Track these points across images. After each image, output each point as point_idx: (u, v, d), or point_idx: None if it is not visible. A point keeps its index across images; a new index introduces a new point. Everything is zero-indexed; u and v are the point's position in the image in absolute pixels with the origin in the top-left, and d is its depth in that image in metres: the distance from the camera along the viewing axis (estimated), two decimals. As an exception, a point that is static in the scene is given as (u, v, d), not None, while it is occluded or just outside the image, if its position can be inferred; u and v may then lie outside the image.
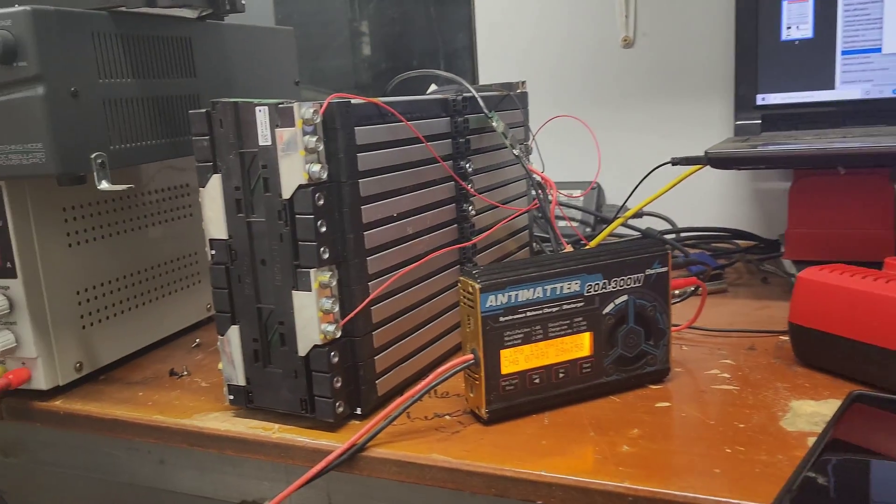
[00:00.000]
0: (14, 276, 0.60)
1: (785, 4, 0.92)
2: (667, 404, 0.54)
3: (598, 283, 0.54)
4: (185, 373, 0.67)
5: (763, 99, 0.94)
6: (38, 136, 0.53)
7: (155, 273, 0.73)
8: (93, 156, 0.56)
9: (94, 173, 0.56)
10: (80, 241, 0.65)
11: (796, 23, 0.91)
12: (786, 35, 0.92)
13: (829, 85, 0.90)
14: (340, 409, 0.53)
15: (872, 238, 0.75)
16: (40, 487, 0.68)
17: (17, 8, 0.51)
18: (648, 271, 0.56)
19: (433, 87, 0.95)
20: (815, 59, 0.91)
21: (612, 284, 0.55)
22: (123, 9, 0.59)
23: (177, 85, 0.66)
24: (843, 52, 0.90)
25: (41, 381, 0.62)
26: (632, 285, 0.56)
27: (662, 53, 1.04)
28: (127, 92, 0.60)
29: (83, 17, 0.56)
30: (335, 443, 0.52)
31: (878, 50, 0.88)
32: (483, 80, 1.17)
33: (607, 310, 0.55)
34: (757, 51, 0.93)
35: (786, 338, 0.62)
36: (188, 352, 0.73)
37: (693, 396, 0.55)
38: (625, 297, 0.56)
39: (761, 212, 1.03)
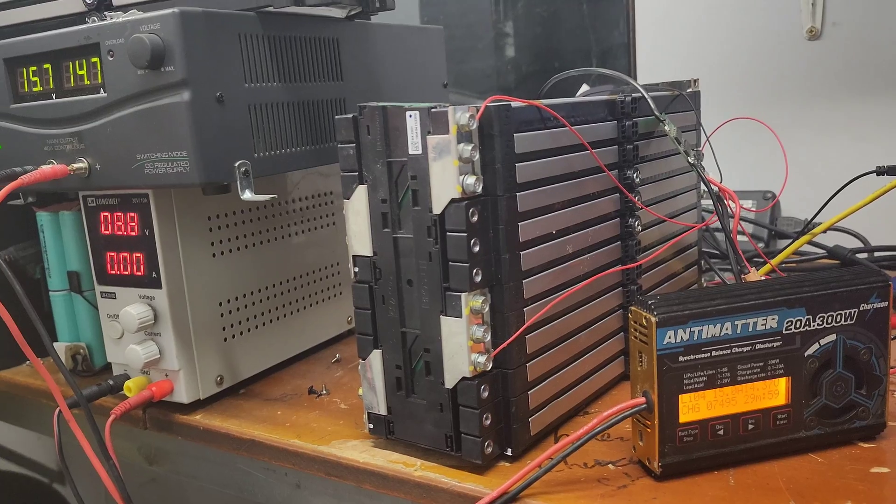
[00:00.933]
0: (159, 286, 0.58)
1: None
2: (885, 470, 0.45)
3: (800, 320, 0.45)
4: (325, 392, 0.64)
5: (985, 96, 0.79)
6: (183, 143, 0.50)
7: (296, 284, 0.71)
8: (237, 164, 0.53)
9: (238, 182, 0.53)
10: (223, 250, 0.63)
11: None
12: None
13: None
14: (489, 450, 0.48)
15: None
16: (181, 499, 0.68)
17: (165, 11, 0.49)
18: (864, 306, 0.46)
19: (584, 87, 0.87)
20: None
21: (818, 321, 0.46)
22: (271, 8, 0.56)
23: (323, 88, 0.62)
24: None
25: (182, 395, 0.61)
26: (842, 322, 0.46)
27: (855, 45, 0.91)
28: (272, 96, 0.57)
29: (230, 18, 0.54)
30: (483, 487, 0.46)
31: None
32: (642, 79, 1.08)
33: (810, 351, 0.46)
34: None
35: None
36: (328, 367, 0.70)
37: (919, 462, 0.45)
38: (832, 337, 0.46)
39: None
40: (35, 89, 0.57)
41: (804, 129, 0.95)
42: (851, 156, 0.91)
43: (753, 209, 0.94)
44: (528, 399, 0.49)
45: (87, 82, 0.54)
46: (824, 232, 0.89)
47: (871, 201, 0.67)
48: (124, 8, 0.59)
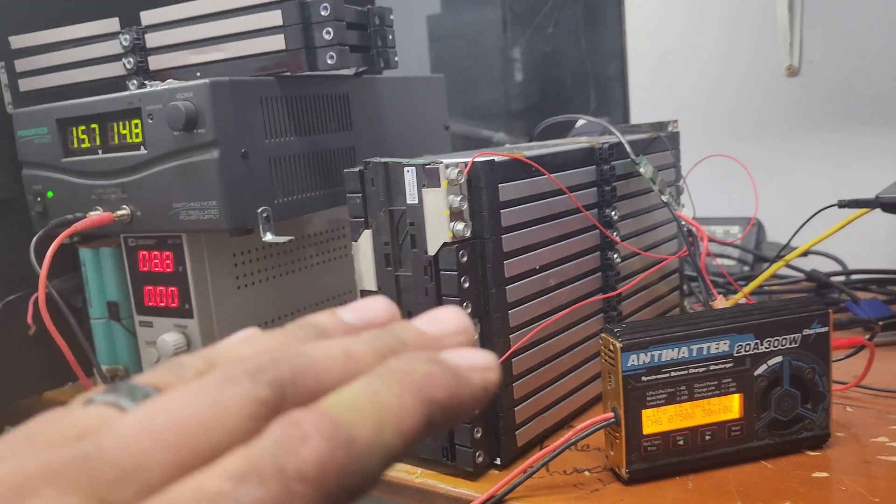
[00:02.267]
0: (191, 316, 0.66)
1: (975, 25, 0.83)
2: (825, 475, 0.51)
3: (749, 344, 0.52)
4: (339, 409, 0.71)
5: (949, 129, 0.86)
6: (213, 194, 0.58)
7: (313, 310, 0.78)
8: (259, 210, 0.61)
9: (260, 227, 0.61)
10: (247, 283, 0.71)
11: None
12: (976, 59, 0.83)
13: None
14: (480, 459, 0.54)
15: None
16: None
17: (197, 81, 0.57)
18: (806, 331, 0.53)
19: (581, 120, 0.95)
20: None
21: (766, 345, 0.52)
22: (288, 73, 0.64)
23: (335, 139, 0.70)
24: None
25: (212, 412, 0.68)
26: (787, 346, 0.53)
27: (831, 81, 0.97)
28: (290, 149, 0.65)
29: (253, 84, 0.62)
30: (474, 492, 0.53)
31: None
32: (635, 109, 1.15)
33: (759, 371, 0.53)
34: (941, 77, 0.85)
35: (970, 405, 0.56)
36: (342, 386, 0.77)
37: (855, 467, 0.51)
38: (779, 359, 0.53)
39: (947, 252, 0.93)
40: (83, 146, 0.65)
41: (786, 160, 1.01)
42: (830, 184, 0.97)
43: (740, 235, 1.01)
44: (514, 414, 0.56)
45: (129, 141, 0.62)
46: (805, 256, 0.95)
47: (835, 231, 0.73)
48: (160, 73, 0.68)
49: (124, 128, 0.62)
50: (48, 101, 0.67)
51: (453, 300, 0.53)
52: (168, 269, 0.67)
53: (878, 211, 0.75)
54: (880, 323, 0.75)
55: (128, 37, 0.68)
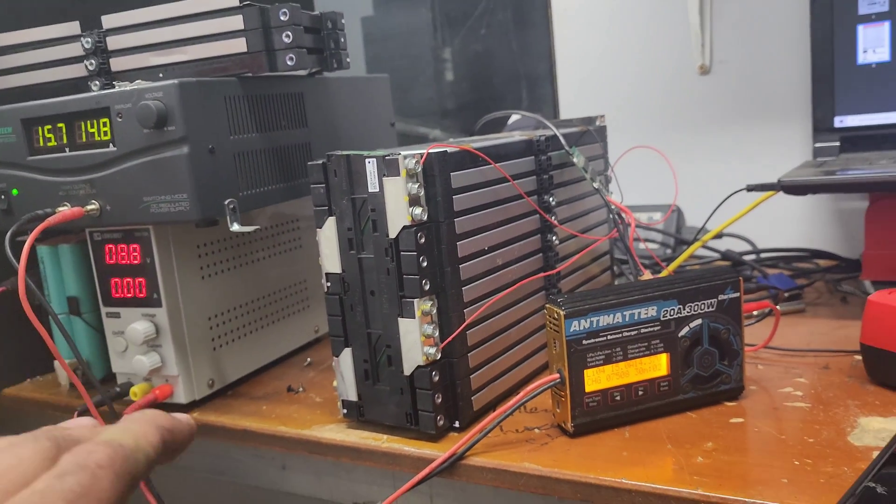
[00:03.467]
0: (160, 305, 0.70)
1: (861, 28, 0.94)
2: (740, 420, 0.59)
3: (673, 309, 0.60)
4: (301, 389, 0.76)
5: (841, 121, 0.96)
6: (184, 187, 0.62)
7: (272, 299, 0.83)
8: (226, 202, 0.65)
9: (228, 217, 0.65)
10: (211, 273, 0.74)
11: (872, 46, 0.94)
12: (862, 59, 0.94)
13: (908, 106, 0.92)
14: (441, 422, 0.60)
15: (950, 259, 0.77)
16: (180, 490, 0.78)
17: (167, 82, 0.61)
18: (721, 297, 0.61)
19: (514, 116, 1.02)
20: (893, 82, 0.92)
21: (687, 309, 0.60)
22: (249, 74, 0.68)
23: (292, 135, 0.75)
24: (922, 74, 0.91)
25: (181, 396, 0.72)
26: (706, 310, 0.60)
27: (739, 80, 1.07)
28: (252, 145, 0.69)
29: (218, 84, 0.66)
30: (437, 452, 0.59)
31: (958, 70, 0.89)
32: (563, 105, 1.23)
33: (682, 333, 0.60)
34: (833, 74, 0.96)
35: (860, 357, 0.65)
36: (301, 370, 0.82)
37: (766, 413, 0.59)
38: (699, 321, 0.60)
39: (843, 231, 1.04)
40: (50, 144, 0.68)
41: (702, 152, 1.11)
42: (741, 173, 1.07)
43: (662, 220, 1.09)
44: (470, 382, 0.62)
45: (98, 139, 0.65)
46: (720, 238, 1.05)
47: (744, 214, 0.81)
48: (122, 74, 0.71)
49: (92, 126, 0.65)
50: (10, 102, 0.70)
51: (413, 278, 0.58)
52: (135, 262, 0.70)
53: (782, 195, 0.85)
54: (786, 294, 0.85)
55: (89, 40, 0.70)
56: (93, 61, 0.70)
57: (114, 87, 0.66)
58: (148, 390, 0.71)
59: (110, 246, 0.71)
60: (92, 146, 0.66)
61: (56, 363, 0.83)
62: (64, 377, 0.83)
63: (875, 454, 0.51)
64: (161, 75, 0.69)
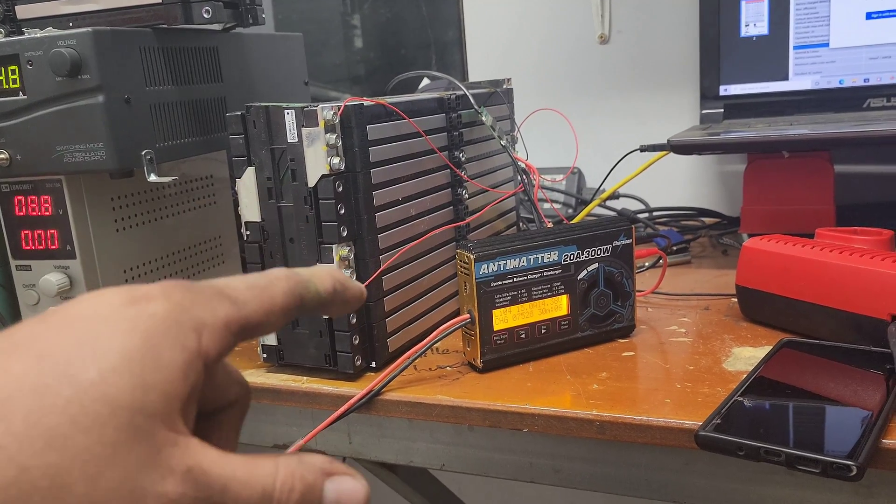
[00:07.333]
0: (74, 257, 0.70)
1: (743, 4, 1.02)
2: (631, 353, 0.65)
3: (573, 254, 0.65)
4: (219, 339, 0.77)
5: (725, 90, 1.04)
6: (99, 136, 0.62)
7: (187, 254, 0.83)
8: (143, 153, 0.66)
9: (144, 168, 0.66)
10: (125, 226, 0.75)
11: (753, 21, 1.02)
12: (744, 32, 1.02)
13: (783, 76, 1.01)
14: (359, 363, 0.64)
15: (814, 212, 0.86)
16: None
17: (80, 29, 0.61)
18: (615, 243, 0.66)
19: (426, 81, 1.05)
20: (771, 54, 1.01)
21: (585, 254, 0.65)
22: (164, 25, 0.69)
23: (207, 89, 0.75)
24: (795, 47, 1.00)
25: (97, 348, 0.72)
26: (601, 255, 0.66)
27: (635, 49, 1.14)
28: (168, 97, 0.70)
29: (133, 34, 0.66)
30: (355, 390, 0.62)
31: (826, 45, 0.99)
32: (472, 72, 1.27)
33: (581, 276, 0.66)
34: (719, 46, 1.03)
35: (736, 299, 0.73)
36: (218, 323, 0.83)
37: (654, 347, 0.66)
38: (596, 265, 0.66)
39: (725, 191, 1.13)
40: (-47, 92, 0.66)
41: (601, 116, 1.17)
42: (638, 137, 1.14)
43: (563, 180, 1.16)
44: (386, 325, 0.66)
45: (5, 87, 0.64)
46: (617, 198, 1.12)
47: (639, 173, 0.88)
48: (29, 22, 0.69)
49: (0, 74, 0.64)
50: None
51: (331, 225, 0.61)
52: (47, 213, 0.69)
53: (672, 157, 0.92)
54: (675, 247, 0.92)
55: (-7, -14, 0.69)
56: (-3, 8, 0.69)
57: (23, 34, 0.65)
58: (62, 342, 0.71)
59: (20, 198, 0.70)
60: None
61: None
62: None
63: (745, 376, 0.58)
64: (71, 24, 0.68)
